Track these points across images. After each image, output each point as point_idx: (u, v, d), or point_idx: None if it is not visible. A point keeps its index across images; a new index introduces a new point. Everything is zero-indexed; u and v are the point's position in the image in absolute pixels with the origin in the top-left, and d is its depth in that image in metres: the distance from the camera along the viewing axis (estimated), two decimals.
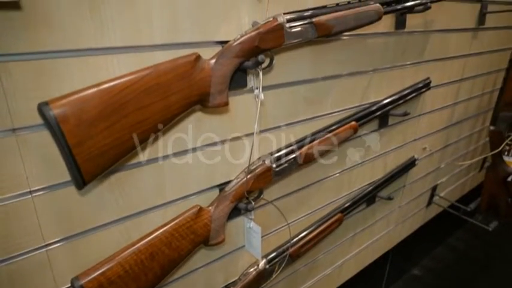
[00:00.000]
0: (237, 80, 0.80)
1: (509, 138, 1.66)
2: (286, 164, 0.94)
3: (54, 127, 0.54)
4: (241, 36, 0.73)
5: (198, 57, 0.69)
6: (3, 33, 0.53)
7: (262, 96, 0.81)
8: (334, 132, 1.05)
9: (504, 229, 2.16)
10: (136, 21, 0.64)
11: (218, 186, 0.89)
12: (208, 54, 0.72)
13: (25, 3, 0.52)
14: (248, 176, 0.87)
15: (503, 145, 1.66)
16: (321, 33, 0.84)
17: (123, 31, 0.63)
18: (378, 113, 1.21)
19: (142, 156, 0.73)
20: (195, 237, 0.81)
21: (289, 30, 0.78)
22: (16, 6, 0.51)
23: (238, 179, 0.88)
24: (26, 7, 0.53)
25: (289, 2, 0.85)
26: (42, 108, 0.54)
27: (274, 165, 0.91)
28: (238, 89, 0.82)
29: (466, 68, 1.65)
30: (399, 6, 1.05)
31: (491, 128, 1.69)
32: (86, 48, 0.61)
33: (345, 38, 1.03)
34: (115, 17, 0.62)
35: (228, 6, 0.75)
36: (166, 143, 0.76)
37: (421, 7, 1.11)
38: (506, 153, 1.70)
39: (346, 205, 1.29)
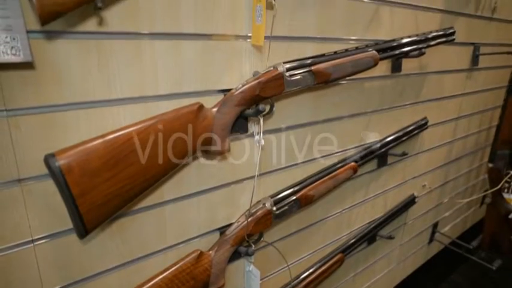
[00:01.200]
0: (239, 126, 0.83)
1: (508, 176, 1.67)
2: (286, 207, 0.95)
3: (58, 178, 0.56)
4: (243, 86, 0.76)
5: (200, 107, 0.71)
6: (15, 89, 0.55)
7: (262, 142, 0.83)
8: (334, 173, 1.06)
9: (509, 266, 2.12)
10: (142, 74, 0.67)
11: (219, 229, 0.89)
12: (210, 102, 0.75)
13: (38, 63, 0.55)
14: (249, 220, 0.88)
15: (502, 183, 1.67)
16: (320, 81, 0.88)
17: (129, 83, 0.66)
18: (377, 153, 1.23)
19: (144, 202, 0.74)
20: (195, 283, 0.80)
21: (289, 78, 0.81)
22: (30, 66, 0.54)
23: (239, 223, 0.88)
24: (38, 66, 0.55)
25: (289, 51, 0.89)
26: (48, 159, 0.55)
27: (274, 208, 0.92)
28: (239, 134, 0.84)
29: (462, 107, 1.69)
30: (395, 52, 1.09)
31: (490, 165, 1.70)
32: (93, 101, 0.63)
33: (343, 82, 1.06)
34: (122, 71, 0.64)
35: (230, 57, 0.79)
36: (168, 189, 0.77)
37: (415, 52, 1.16)
38: (505, 190, 1.71)
39: (347, 245, 1.28)
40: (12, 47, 0.51)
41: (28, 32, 0.52)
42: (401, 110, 1.32)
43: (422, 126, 1.41)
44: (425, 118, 1.44)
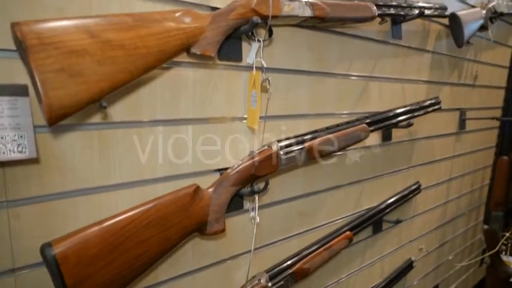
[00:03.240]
0: (234, 204, 0.84)
1: (505, 238, 1.67)
2: (282, 282, 0.93)
3: (53, 268, 0.56)
4: (238, 166, 0.79)
5: (197, 189, 0.73)
6: (18, 181, 0.57)
7: (258, 219, 0.84)
8: (329, 244, 1.06)
9: None
10: (141, 159, 0.69)
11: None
12: (207, 181, 0.77)
13: (42, 156, 0.58)
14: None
15: (499, 245, 1.66)
16: (313, 157, 0.91)
17: (129, 169, 0.68)
18: (372, 220, 1.23)
19: (138, 285, 0.73)
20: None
21: (283, 157, 0.84)
22: (35, 161, 0.56)
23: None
24: (42, 159, 0.58)
25: (283, 128, 0.93)
26: (44, 249, 0.56)
27: (269, 284, 0.90)
28: (234, 211, 0.85)
29: (453, 169, 1.72)
30: (384, 124, 1.14)
31: (485, 227, 1.70)
32: (93, 187, 0.65)
33: (335, 154, 1.10)
34: (122, 157, 0.67)
35: (226, 137, 0.82)
36: (163, 269, 0.76)
37: (404, 123, 1.21)
38: (503, 252, 1.69)
39: None
40: (19, 145, 0.54)
41: (35, 127, 0.55)
42: (393, 176, 1.35)
43: (415, 190, 1.43)
44: (417, 182, 1.46)
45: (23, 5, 0.55)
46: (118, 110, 0.65)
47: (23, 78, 0.56)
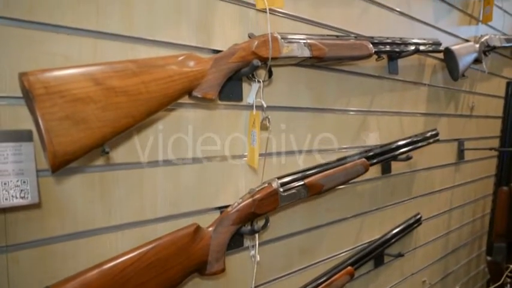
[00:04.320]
0: (234, 242, 0.83)
1: (509, 270, 1.64)
2: None
3: None
4: (238, 204, 0.79)
5: (197, 228, 0.73)
6: (18, 226, 0.57)
7: (258, 257, 0.83)
8: (330, 280, 1.05)
9: None
10: (142, 200, 0.70)
11: None
12: (207, 220, 0.77)
13: (44, 201, 0.58)
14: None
15: (503, 278, 1.63)
16: (313, 193, 0.91)
17: (129, 209, 0.68)
18: (373, 254, 1.22)
19: None
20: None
21: (283, 194, 0.84)
22: (37, 206, 0.57)
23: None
24: (44, 204, 0.58)
25: (283, 164, 0.94)
26: None
27: None
28: (234, 249, 0.85)
29: (453, 199, 1.72)
30: (383, 157, 1.15)
31: (488, 258, 1.68)
32: (94, 229, 0.65)
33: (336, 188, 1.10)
34: (123, 199, 0.67)
35: (227, 175, 0.83)
36: None
37: (403, 156, 1.22)
38: (508, 285, 1.66)
39: None
40: (21, 190, 0.55)
41: (38, 171, 0.56)
42: (393, 208, 1.34)
43: (416, 222, 1.42)
44: (418, 214, 1.45)
45: (31, 54, 0.57)
46: (120, 152, 0.66)
47: (28, 124, 0.57)
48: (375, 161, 1.11)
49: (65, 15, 0.59)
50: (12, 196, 0.54)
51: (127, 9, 0.66)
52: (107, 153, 0.57)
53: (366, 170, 1.06)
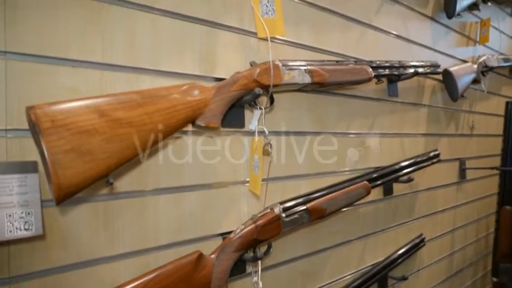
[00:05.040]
0: (236, 267, 0.83)
1: None
2: None
3: None
4: (241, 230, 0.78)
5: (199, 256, 0.73)
6: (21, 257, 0.57)
7: (261, 284, 0.83)
8: None
9: None
10: (145, 228, 0.70)
11: None
12: (209, 246, 0.77)
13: (48, 232, 0.58)
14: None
15: None
16: (315, 217, 0.91)
17: (132, 238, 0.68)
18: (376, 278, 1.21)
19: None
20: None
21: (285, 219, 0.84)
22: (40, 237, 0.57)
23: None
24: (48, 234, 0.58)
25: (285, 189, 0.94)
26: None
27: None
28: (237, 275, 0.84)
29: (456, 218, 1.71)
30: (385, 180, 1.15)
31: (494, 279, 1.66)
32: (97, 259, 0.65)
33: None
34: (126, 227, 0.67)
35: (229, 201, 0.83)
36: None
37: (404, 178, 1.22)
38: None
39: None
40: (26, 222, 0.55)
41: (42, 201, 0.56)
42: (396, 230, 1.34)
43: (419, 243, 1.42)
44: (421, 235, 1.45)
45: (38, 87, 0.59)
46: (123, 181, 0.67)
47: (34, 154, 0.57)
48: (376, 183, 1.12)
49: (71, 48, 0.61)
50: (17, 228, 0.54)
51: (131, 41, 0.68)
52: (111, 184, 0.57)
53: (368, 193, 1.06)
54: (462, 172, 1.71)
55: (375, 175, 1.11)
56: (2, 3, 0.56)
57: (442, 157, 1.36)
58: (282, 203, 0.86)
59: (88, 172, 0.55)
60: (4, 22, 0.56)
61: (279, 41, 0.91)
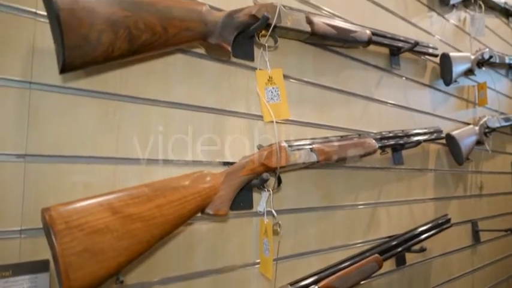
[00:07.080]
0: None
1: None
2: None
3: None
4: None
5: None
6: None
7: None
8: None
9: None
10: None
11: None
12: None
13: None
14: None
15: None
16: None
17: None
18: None
19: None
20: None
21: None
22: None
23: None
24: None
25: (295, 269, 0.92)
26: None
27: None
28: None
29: (475, 284, 1.64)
30: (397, 250, 1.13)
31: None
32: None
33: None
34: None
35: (239, 285, 0.81)
36: None
37: (416, 248, 1.19)
38: None
39: None
40: None
41: None
42: None
43: None
44: None
45: (54, 186, 0.61)
46: (133, 274, 0.66)
47: (46, 254, 0.58)
48: (388, 255, 1.09)
49: (86, 146, 0.64)
50: None
51: (145, 134, 0.71)
52: (122, 282, 0.57)
53: (380, 267, 1.04)
54: (476, 234, 1.67)
55: (385, 247, 1.09)
56: (26, 107, 0.60)
57: (453, 220, 1.34)
58: (292, 284, 0.84)
59: (99, 272, 0.55)
60: (27, 126, 0.59)
61: (285, 122, 0.94)
